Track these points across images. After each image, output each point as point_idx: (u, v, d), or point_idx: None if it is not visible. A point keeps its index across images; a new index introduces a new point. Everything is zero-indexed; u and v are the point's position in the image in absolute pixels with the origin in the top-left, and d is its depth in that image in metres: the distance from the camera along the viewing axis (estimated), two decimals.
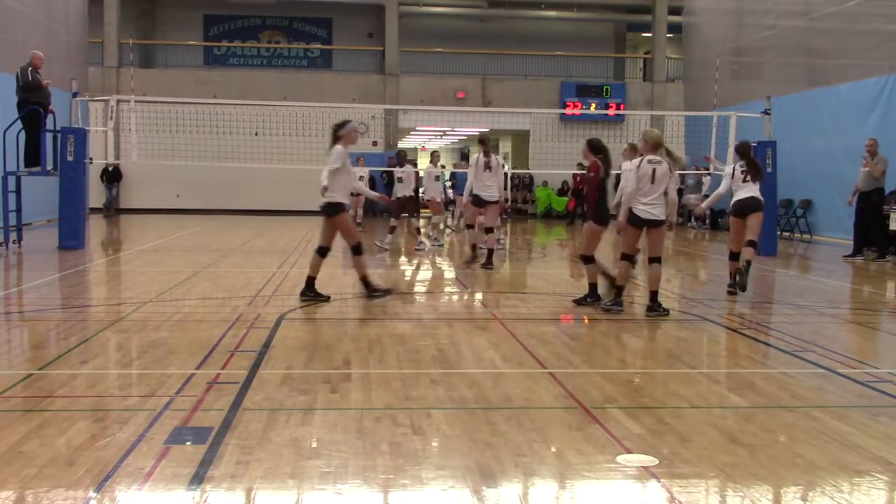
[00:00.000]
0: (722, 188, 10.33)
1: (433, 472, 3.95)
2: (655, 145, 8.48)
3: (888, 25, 16.93)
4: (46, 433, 4.37)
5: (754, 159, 10.26)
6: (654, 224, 8.44)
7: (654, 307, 8.40)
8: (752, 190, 9.88)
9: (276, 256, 13.85)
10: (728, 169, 10.43)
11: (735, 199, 10.00)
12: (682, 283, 12.40)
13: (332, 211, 8.79)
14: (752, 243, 9.72)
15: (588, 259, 8.94)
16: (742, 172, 9.92)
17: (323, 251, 9.03)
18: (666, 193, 8.57)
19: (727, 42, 23.23)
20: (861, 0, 17.64)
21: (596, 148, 8.81)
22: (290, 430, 4.50)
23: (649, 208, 8.37)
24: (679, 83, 29.49)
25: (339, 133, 8.88)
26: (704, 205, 11.51)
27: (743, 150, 10.23)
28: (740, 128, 15.94)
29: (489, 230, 12.14)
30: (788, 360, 6.73)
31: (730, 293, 9.79)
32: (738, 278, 9.55)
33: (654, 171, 8.33)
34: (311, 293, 8.97)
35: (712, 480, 3.94)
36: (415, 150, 40.55)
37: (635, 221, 8.47)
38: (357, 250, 8.93)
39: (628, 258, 8.68)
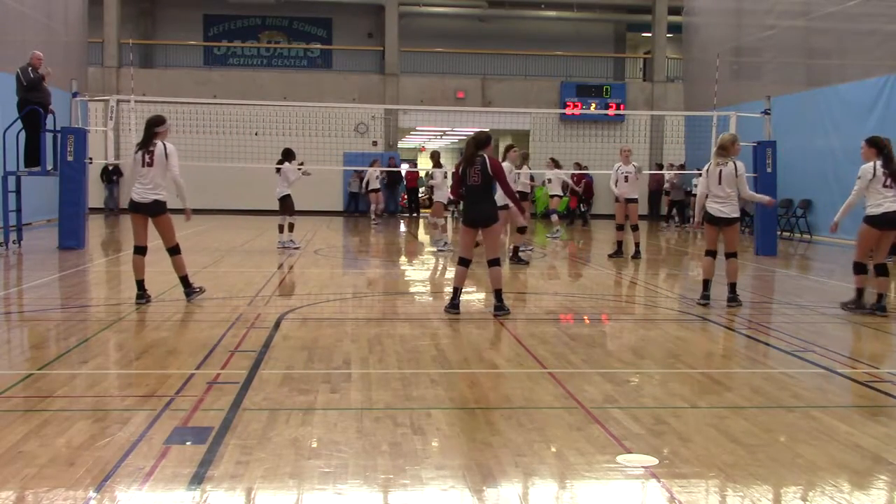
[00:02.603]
0: (855, 196, 8.73)
1: (433, 472, 3.95)
2: (720, 147, 9.10)
3: (888, 25, 16.93)
4: (46, 433, 4.37)
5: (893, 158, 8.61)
6: (726, 222, 9.02)
7: (733, 297, 9.09)
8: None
9: (276, 256, 13.85)
10: (867, 168, 8.59)
11: (883, 209, 8.46)
12: (683, 283, 12.40)
13: (162, 209, 8.62)
14: (885, 269, 8.77)
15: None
16: (884, 174, 8.47)
17: (144, 251, 8.76)
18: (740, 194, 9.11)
19: (727, 42, 23.22)
20: (861, 0, 17.63)
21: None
22: (290, 430, 4.50)
23: (721, 206, 8.98)
24: (679, 83, 29.48)
25: (158, 130, 8.64)
26: (837, 218, 8.90)
27: (882, 145, 8.61)
28: (740, 128, 15.93)
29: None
30: (788, 360, 6.73)
31: (854, 310, 8.78)
32: (880, 302, 8.68)
33: (720, 172, 8.94)
34: (144, 293, 8.70)
35: (712, 480, 3.94)
36: (415, 149, 40.68)
37: (710, 219, 9.11)
38: (176, 251, 8.77)
39: (711, 254, 9.23)
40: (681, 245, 18.77)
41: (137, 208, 8.60)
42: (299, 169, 15.43)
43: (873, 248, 8.80)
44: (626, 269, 13.16)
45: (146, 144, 8.63)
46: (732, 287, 9.14)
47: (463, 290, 8.59)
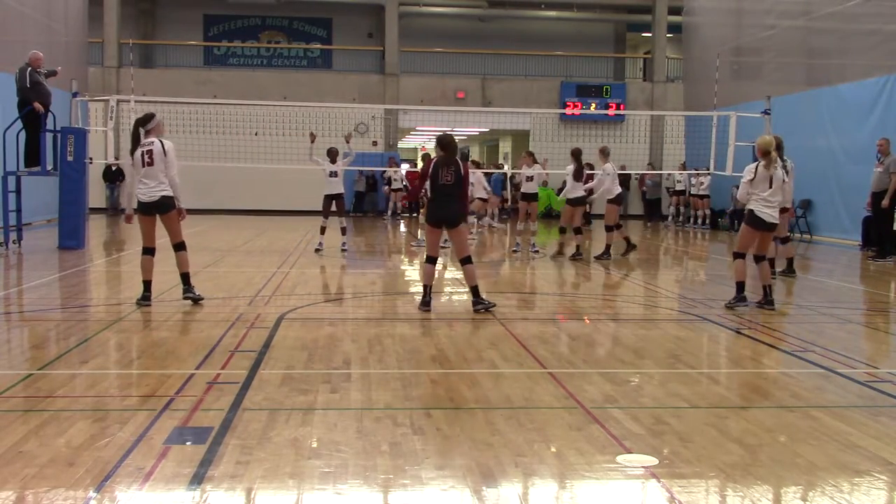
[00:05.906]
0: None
1: (433, 472, 3.95)
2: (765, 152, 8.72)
3: (888, 25, 16.93)
4: (46, 433, 4.37)
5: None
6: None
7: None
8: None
9: (277, 256, 13.85)
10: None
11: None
12: (682, 283, 12.40)
13: (171, 205, 8.51)
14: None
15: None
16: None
17: (153, 251, 8.68)
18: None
19: (727, 42, 23.23)
20: (861, 0, 17.63)
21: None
22: (290, 430, 4.50)
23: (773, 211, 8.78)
24: (679, 83, 29.48)
25: (148, 127, 8.56)
26: None
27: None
28: (740, 128, 15.94)
29: None
30: (788, 360, 6.74)
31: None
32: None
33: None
34: (148, 296, 8.63)
35: (712, 480, 3.94)
36: (415, 149, 40.73)
37: (758, 224, 8.76)
38: (182, 247, 8.67)
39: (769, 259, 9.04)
40: (681, 245, 18.76)
41: (146, 209, 8.50)
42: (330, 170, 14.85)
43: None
44: (627, 270, 13.15)
45: (137, 144, 8.54)
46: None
47: (432, 288, 8.66)
